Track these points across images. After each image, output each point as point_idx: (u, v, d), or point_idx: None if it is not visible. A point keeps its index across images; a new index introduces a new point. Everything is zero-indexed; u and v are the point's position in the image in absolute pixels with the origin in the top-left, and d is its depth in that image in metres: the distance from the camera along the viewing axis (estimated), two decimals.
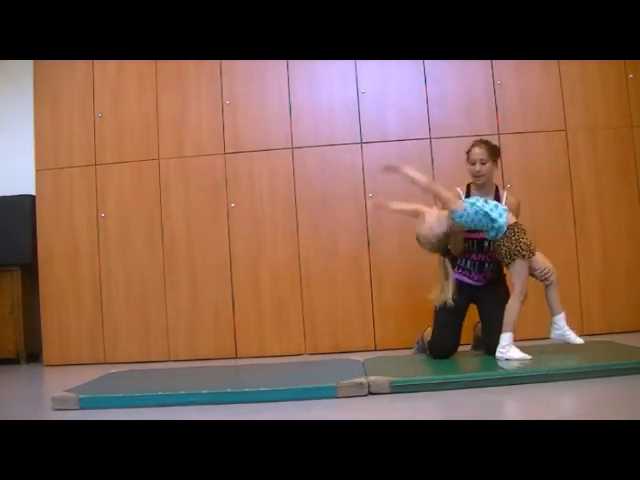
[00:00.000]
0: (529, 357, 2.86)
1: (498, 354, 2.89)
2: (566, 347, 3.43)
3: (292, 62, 4.22)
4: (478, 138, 3.26)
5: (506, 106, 4.13)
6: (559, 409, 2.19)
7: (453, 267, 3.23)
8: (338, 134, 4.18)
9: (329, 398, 2.53)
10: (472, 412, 2.31)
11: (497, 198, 3.18)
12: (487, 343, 3.17)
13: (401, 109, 4.17)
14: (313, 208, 4.17)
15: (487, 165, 3.15)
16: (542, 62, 4.12)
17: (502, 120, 4.13)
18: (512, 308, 2.94)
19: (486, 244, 3.12)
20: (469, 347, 3.49)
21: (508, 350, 2.88)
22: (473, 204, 2.94)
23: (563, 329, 3.00)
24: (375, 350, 3.98)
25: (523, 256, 2.89)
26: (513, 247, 2.89)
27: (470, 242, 3.18)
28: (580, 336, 3.07)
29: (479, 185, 3.20)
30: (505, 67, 4.14)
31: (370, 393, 2.57)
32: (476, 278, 3.20)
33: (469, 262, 3.20)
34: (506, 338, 2.91)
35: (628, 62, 4.09)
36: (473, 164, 3.16)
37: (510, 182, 4.07)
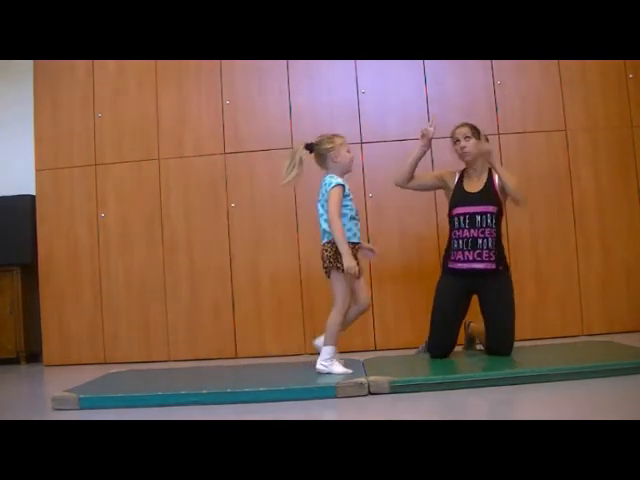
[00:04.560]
0: (350, 371, 2.79)
1: (319, 367, 2.84)
2: (566, 347, 3.44)
3: (292, 62, 4.22)
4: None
5: (506, 106, 4.13)
6: (559, 409, 2.19)
7: (447, 259, 3.21)
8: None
9: (329, 398, 2.53)
10: (472, 412, 2.31)
11: (490, 180, 3.18)
12: (488, 338, 3.15)
13: (401, 109, 4.17)
14: (313, 208, 4.14)
15: (472, 141, 3.17)
16: (542, 62, 4.12)
17: (502, 120, 4.13)
18: (332, 322, 2.87)
19: (478, 218, 3.10)
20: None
21: (330, 364, 2.83)
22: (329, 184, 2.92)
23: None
24: (375, 350, 3.98)
25: (338, 268, 2.85)
26: (332, 254, 2.86)
27: (461, 217, 3.15)
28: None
29: (468, 164, 3.21)
30: (505, 67, 4.14)
31: (370, 393, 2.57)
32: (471, 257, 3.11)
33: (461, 241, 3.13)
34: (327, 352, 2.85)
35: (628, 62, 4.09)
36: (457, 141, 3.20)
37: None
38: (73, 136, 4.34)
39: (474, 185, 3.20)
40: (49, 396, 2.70)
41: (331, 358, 2.84)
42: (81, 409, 2.58)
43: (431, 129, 3.19)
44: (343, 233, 2.85)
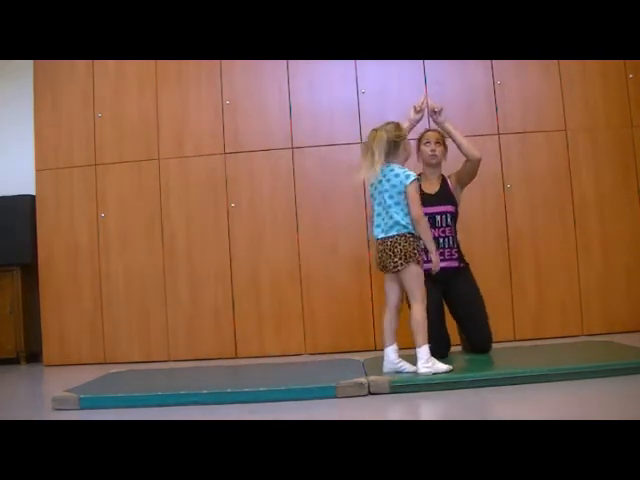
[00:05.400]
0: (452, 367, 2.69)
1: (424, 370, 2.65)
2: (566, 347, 3.44)
3: (292, 62, 4.22)
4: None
5: (506, 106, 4.13)
6: (559, 409, 2.19)
7: None
8: (338, 134, 4.17)
9: (329, 398, 2.53)
10: (472, 412, 2.31)
11: (445, 182, 3.27)
12: (471, 338, 3.19)
13: (401, 109, 4.14)
14: (313, 208, 4.17)
15: (441, 147, 3.28)
16: (542, 62, 4.11)
17: (502, 120, 4.12)
18: (417, 319, 2.72)
19: (438, 217, 3.18)
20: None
21: (433, 364, 2.67)
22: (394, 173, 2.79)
23: (394, 362, 2.75)
24: (375, 350, 3.97)
25: (418, 262, 2.74)
26: (410, 248, 2.74)
27: None
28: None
29: (431, 166, 3.28)
30: (505, 67, 4.14)
31: (370, 393, 2.57)
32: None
33: (422, 242, 3.17)
34: (425, 352, 2.69)
35: (628, 62, 4.08)
36: (428, 143, 3.28)
37: (510, 182, 4.07)
38: (73, 136, 4.34)
39: (431, 187, 3.29)
40: (49, 396, 2.69)
41: (430, 358, 2.68)
42: (81, 409, 2.58)
43: (423, 106, 3.24)
44: (430, 232, 2.83)
